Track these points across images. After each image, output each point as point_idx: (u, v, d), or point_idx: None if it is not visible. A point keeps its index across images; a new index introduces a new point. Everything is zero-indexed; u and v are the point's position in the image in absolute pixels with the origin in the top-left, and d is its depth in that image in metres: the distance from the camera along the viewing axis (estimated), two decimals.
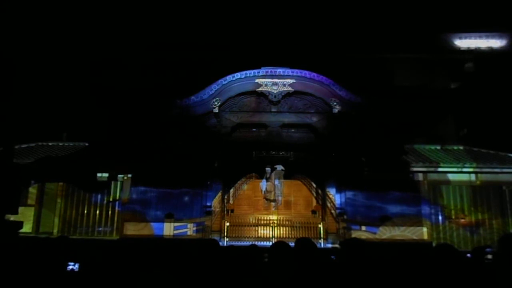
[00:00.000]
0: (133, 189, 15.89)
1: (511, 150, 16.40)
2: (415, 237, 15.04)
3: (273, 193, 17.08)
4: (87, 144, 17.58)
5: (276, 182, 17.05)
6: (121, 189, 16.32)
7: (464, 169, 15.99)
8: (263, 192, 17.30)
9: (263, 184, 17.34)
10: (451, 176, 16.06)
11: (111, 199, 16.32)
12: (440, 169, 15.92)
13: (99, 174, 16.29)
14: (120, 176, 16.36)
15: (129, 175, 16.09)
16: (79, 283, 3.29)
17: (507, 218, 15.65)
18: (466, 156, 16.47)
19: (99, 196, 16.43)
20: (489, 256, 4.81)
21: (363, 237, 14.88)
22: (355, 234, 15.15)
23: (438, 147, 17.18)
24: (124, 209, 15.89)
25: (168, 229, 15.41)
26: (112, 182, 16.41)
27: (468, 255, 4.76)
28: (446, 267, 2.64)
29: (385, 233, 15.17)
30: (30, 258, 3.57)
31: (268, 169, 17.15)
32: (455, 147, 17.21)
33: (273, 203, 17.04)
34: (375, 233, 15.18)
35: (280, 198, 17.09)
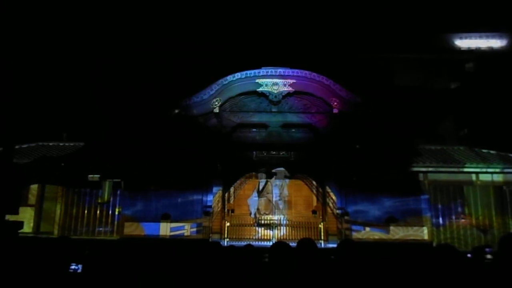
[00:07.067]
0: (132, 190, 15.90)
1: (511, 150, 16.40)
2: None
3: (269, 214, 12.72)
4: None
5: (275, 194, 13.58)
6: (120, 190, 16.31)
7: (471, 169, 15.82)
8: (252, 215, 13.56)
9: (253, 202, 13.54)
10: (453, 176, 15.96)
11: (111, 200, 16.30)
12: (441, 169, 15.90)
13: (96, 175, 16.26)
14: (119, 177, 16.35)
15: (129, 176, 16.08)
16: (82, 284, 3.29)
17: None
18: (467, 156, 16.45)
19: (99, 197, 16.43)
20: (489, 256, 4.81)
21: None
22: (356, 234, 15.17)
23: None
24: (124, 209, 15.90)
25: (167, 229, 15.44)
26: (113, 183, 16.39)
27: (468, 255, 4.76)
28: (446, 267, 2.64)
29: (389, 233, 15.16)
30: (31, 259, 3.57)
31: (262, 174, 13.91)
32: (455, 147, 17.19)
33: (271, 232, 12.88)
34: (376, 234, 15.18)
35: (284, 222, 13.24)
